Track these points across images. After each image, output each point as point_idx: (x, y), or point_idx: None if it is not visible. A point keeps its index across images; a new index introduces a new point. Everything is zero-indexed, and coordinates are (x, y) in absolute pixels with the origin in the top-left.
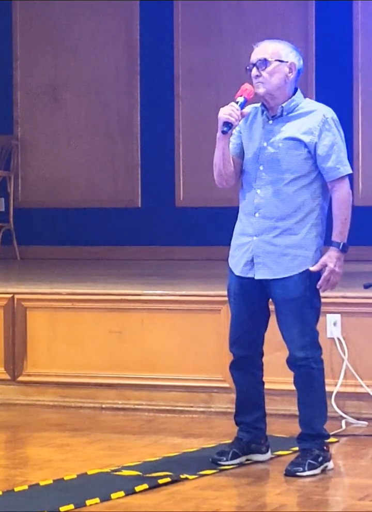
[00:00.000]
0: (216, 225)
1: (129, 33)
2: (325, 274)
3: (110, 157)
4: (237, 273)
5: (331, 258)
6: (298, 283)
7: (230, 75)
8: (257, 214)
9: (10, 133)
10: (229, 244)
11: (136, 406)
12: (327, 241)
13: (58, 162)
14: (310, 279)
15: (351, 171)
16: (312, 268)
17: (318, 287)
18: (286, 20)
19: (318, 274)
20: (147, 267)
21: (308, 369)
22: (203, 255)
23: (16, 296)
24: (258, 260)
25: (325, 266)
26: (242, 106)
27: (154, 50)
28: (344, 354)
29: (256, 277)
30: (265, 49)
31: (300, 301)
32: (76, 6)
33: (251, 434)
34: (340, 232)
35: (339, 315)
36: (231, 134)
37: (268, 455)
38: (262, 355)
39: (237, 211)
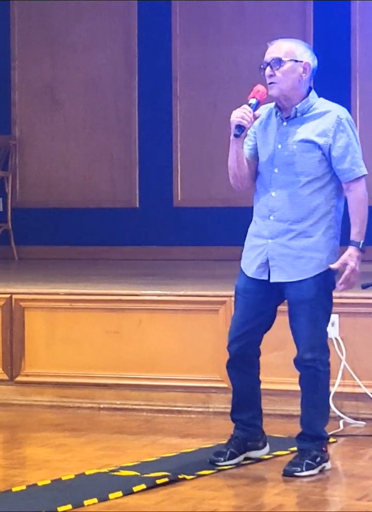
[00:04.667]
0: (214, 225)
1: (128, 33)
2: (347, 273)
3: (108, 157)
4: (249, 275)
5: (352, 257)
6: (312, 285)
7: (229, 75)
8: (271, 217)
9: (8, 133)
10: (227, 244)
11: (134, 406)
12: (343, 241)
13: (56, 162)
14: (325, 281)
15: (366, 173)
16: (332, 266)
17: (338, 285)
18: (284, 20)
19: (332, 276)
20: (145, 267)
21: (315, 371)
22: (201, 255)
23: (14, 296)
24: (273, 263)
25: (346, 264)
26: (254, 108)
27: (152, 51)
28: (342, 354)
29: (271, 280)
30: (280, 48)
31: (314, 303)
32: (74, 6)
33: (247, 431)
34: (359, 232)
35: (337, 315)
36: (245, 137)
37: (265, 450)
38: (259, 354)
39: (236, 211)
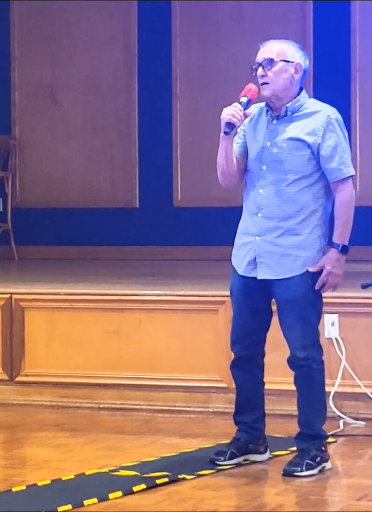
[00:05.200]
0: (214, 225)
1: (127, 34)
2: (322, 275)
3: (108, 158)
4: (240, 273)
5: (329, 259)
6: (300, 283)
7: (228, 75)
8: (259, 214)
9: (8, 133)
10: (227, 244)
11: (134, 406)
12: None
13: (56, 162)
14: (312, 279)
15: (354, 173)
16: (310, 269)
17: (316, 288)
18: (284, 21)
19: (319, 274)
20: (145, 267)
21: (308, 369)
22: (201, 255)
23: (14, 296)
24: (260, 260)
25: (324, 268)
26: (245, 106)
27: (152, 51)
28: (342, 354)
29: (258, 277)
30: (271, 48)
31: (302, 301)
32: (74, 6)
33: (249, 434)
34: (340, 234)
35: (336, 315)
36: (234, 134)
37: (266, 455)
38: (263, 355)
39: (236, 211)
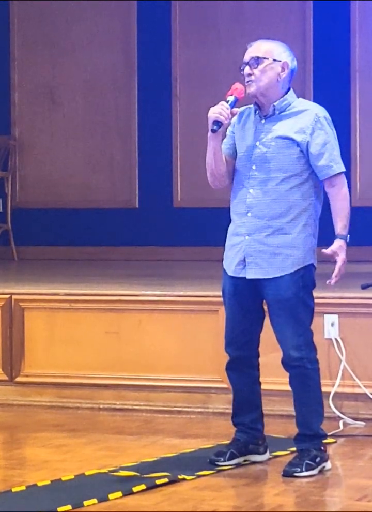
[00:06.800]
0: (214, 225)
1: (127, 34)
2: (340, 264)
3: (107, 158)
4: (230, 273)
5: (342, 249)
6: (290, 283)
7: (228, 75)
8: (249, 214)
9: (8, 134)
10: None
11: (134, 407)
12: (321, 241)
13: (55, 162)
14: (303, 279)
15: (344, 169)
16: (325, 251)
17: (331, 280)
18: (284, 21)
19: (311, 274)
20: (145, 268)
21: (303, 369)
22: (201, 256)
23: (13, 297)
24: (250, 260)
25: (337, 255)
26: (232, 105)
27: (151, 51)
28: (342, 355)
29: (248, 277)
30: (259, 48)
31: (293, 301)
32: (74, 6)
33: (248, 434)
34: (345, 226)
35: (336, 316)
36: (222, 133)
37: (266, 456)
38: (258, 355)
39: None
